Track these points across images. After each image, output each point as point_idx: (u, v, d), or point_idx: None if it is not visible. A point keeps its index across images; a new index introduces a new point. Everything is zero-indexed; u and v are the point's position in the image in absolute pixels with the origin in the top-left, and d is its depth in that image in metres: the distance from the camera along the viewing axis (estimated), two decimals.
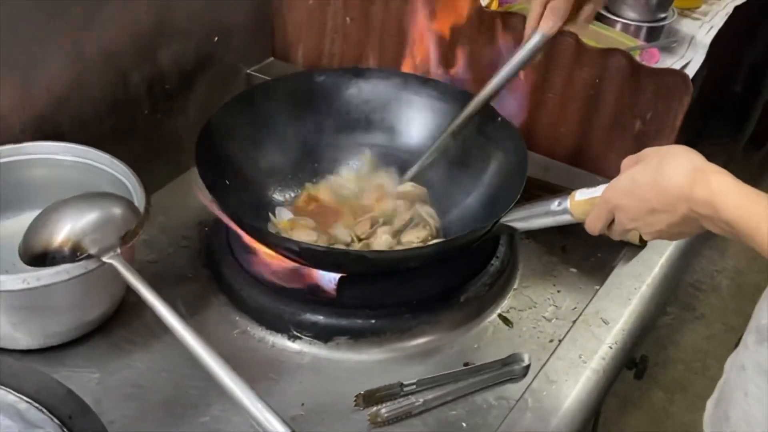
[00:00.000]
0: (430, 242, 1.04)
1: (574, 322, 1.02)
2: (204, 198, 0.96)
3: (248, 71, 1.43)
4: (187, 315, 1.01)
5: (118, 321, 1.00)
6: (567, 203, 0.90)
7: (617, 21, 1.53)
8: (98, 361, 0.95)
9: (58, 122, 1.12)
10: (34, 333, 0.93)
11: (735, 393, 0.82)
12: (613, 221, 0.85)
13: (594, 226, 0.86)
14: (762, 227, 0.68)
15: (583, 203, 0.89)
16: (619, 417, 2.01)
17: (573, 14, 1.04)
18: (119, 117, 1.20)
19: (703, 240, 1.20)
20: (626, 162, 0.84)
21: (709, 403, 0.92)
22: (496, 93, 1.08)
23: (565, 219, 0.91)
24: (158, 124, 1.27)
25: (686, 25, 1.62)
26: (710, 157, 0.77)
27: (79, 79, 1.13)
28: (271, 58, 1.48)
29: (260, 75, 1.41)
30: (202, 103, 1.32)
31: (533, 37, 1.04)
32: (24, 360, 0.94)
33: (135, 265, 1.06)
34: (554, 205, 0.92)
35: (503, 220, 0.96)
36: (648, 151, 0.82)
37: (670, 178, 0.75)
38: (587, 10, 1.04)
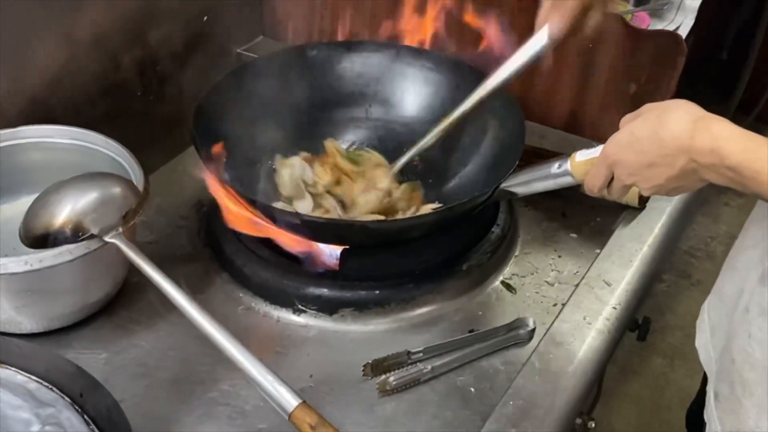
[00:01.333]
0: (431, 210, 1.04)
1: (577, 285, 1.02)
2: (206, 175, 0.96)
3: (238, 50, 1.42)
4: (190, 293, 1.01)
5: (122, 302, 1.00)
6: (567, 165, 0.90)
7: None
8: (104, 342, 0.95)
9: (52, 106, 1.11)
10: (38, 316, 0.92)
11: (739, 336, 0.82)
12: (612, 179, 0.85)
13: (593, 184, 0.86)
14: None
15: (583, 164, 0.89)
16: (619, 385, 2.02)
17: (580, 18, 0.97)
18: (112, 100, 1.20)
19: (697, 206, 1.21)
20: (625, 118, 0.84)
21: (698, 343, 0.93)
22: (495, 92, 1.02)
23: (566, 181, 0.91)
24: (151, 106, 1.26)
25: None
26: None
27: (70, 63, 1.12)
28: (261, 37, 1.48)
29: (251, 54, 1.41)
30: (194, 84, 1.31)
31: (540, 36, 0.98)
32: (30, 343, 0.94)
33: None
34: (554, 167, 0.92)
35: (503, 185, 0.96)
36: (648, 106, 0.82)
37: (670, 129, 0.75)
38: (594, 15, 0.98)
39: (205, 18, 1.32)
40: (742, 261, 0.88)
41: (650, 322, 1.14)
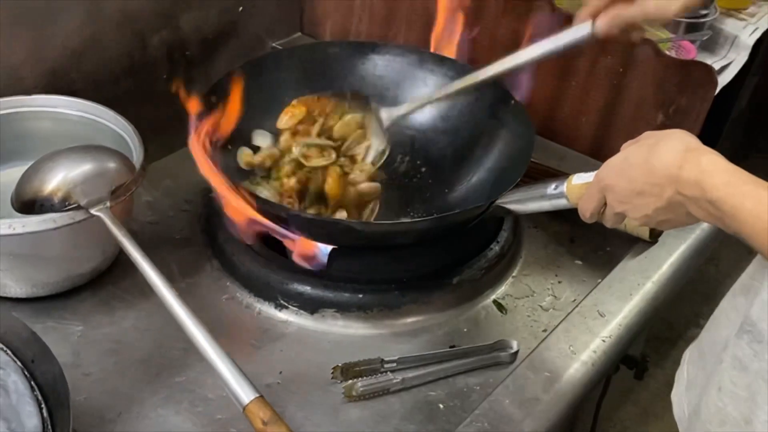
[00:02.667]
0: (423, 218, 1.01)
1: (570, 312, 0.98)
2: (196, 154, 0.95)
3: (273, 44, 1.42)
4: (179, 277, 1.01)
5: (110, 277, 1.00)
6: (564, 187, 0.87)
7: None
8: (84, 315, 0.95)
9: (72, 79, 1.13)
10: (21, 281, 0.93)
11: (708, 388, 0.78)
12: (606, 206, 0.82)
13: (585, 208, 0.83)
14: (745, 204, 0.65)
15: (578, 187, 0.85)
16: (639, 427, 1.95)
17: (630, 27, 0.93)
18: (136, 79, 1.21)
19: (713, 245, 1.15)
20: (625, 144, 0.81)
21: (674, 396, 0.88)
22: (510, 71, 1.01)
23: (560, 203, 0.88)
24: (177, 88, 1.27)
25: (730, 25, 1.56)
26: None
27: (95, 37, 1.13)
28: (299, 34, 1.47)
29: None
30: (223, 73, 1.31)
31: (583, 27, 0.94)
32: (13, 308, 0.94)
33: (134, 224, 1.07)
34: (551, 188, 0.89)
35: (499, 201, 0.93)
36: (646, 134, 0.79)
37: (660, 158, 0.72)
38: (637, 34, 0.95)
39: (241, 8, 1.32)
40: (730, 310, 0.83)
41: (648, 360, 1.09)
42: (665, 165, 0.72)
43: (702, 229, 1.11)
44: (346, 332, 0.96)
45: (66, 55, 1.11)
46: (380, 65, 1.16)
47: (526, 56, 0.99)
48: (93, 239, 0.94)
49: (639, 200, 0.75)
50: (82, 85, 1.14)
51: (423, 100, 1.08)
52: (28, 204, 0.90)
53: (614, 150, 1.20)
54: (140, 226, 1.08)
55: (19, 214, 0.90)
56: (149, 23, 1.19)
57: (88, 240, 0.94)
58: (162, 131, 1.12)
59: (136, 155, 0.98)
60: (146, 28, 1.19)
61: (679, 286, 1.06)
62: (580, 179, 0.86)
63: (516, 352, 0.93)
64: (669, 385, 1.15)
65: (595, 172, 0.83)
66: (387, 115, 1.05)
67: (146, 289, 0.97)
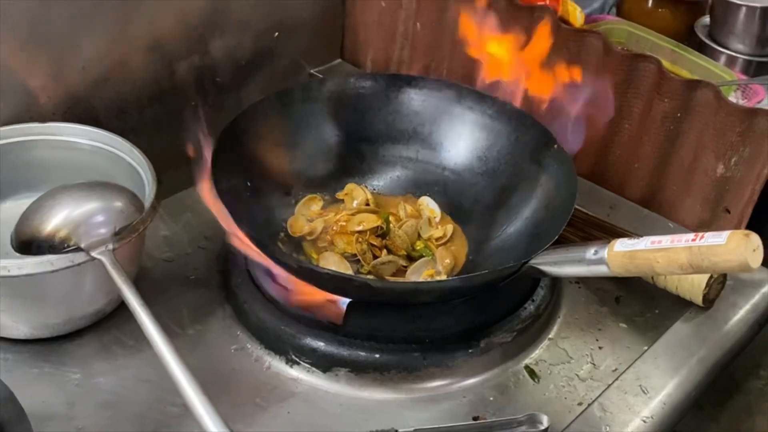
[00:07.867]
0: (447, 277, 0.93)
1: (609, 385, 0.89)
2: (207, 196, 0.89)
3: (312, 71, 1.36)
4: (188, 323, 0.95)
5: (115, 320, 0.94)
6: (604, 252, 0.78)
7: (722, 53, 1.37)
8: (84, 361, 0.89)
9: (93, 106, 1.08)
10: (20, 322, 0.87)
11: None
12: None
13: None
14: None
15: (621, 255, 0.76)
16: None
17: None
18: (162, 106, 1.15)
19: None
20: None
21: None
22: None
23: (600, 270, 0.79)
24: (205, 117, 1.21)
25: None
26: None
27: (120, 62, 1.08)
28: (339, 60, 1.41)
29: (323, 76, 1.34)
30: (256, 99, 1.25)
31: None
32: (10, 349, 0.89)
33: (148, 261, 1.01)
34: (590, 252, 0.80)
35: (533, 262, 0.84)
36: None
37: None
38: None
39: (276, 34, 1.26)
40: None
41: None
42: None
43: (762, 294, 1.00)
44: (359, 395, 0.88)
45: (88, 80, 1.06)
46: (416, 100, 1.08)
47: None
48: (95, 282, 0.88)
49: None
50: (104, 112, 1.09)
51: None
52: (26, 244, 0.85)
53: (669, 201, 1.11)
54: (154, 263, 1.02)
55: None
56: (178, 48, 1.14)
57: (90, 282, 0.88)
58: (186, 161, 1.06)
59: (148, 191, 0.92)
60: (175, 53, 1.14)
61: (733, 358, 0.96)
62: (622, 246, 0.77)
63: (546, 429, 0.84)
64: None
65: (641, 239, 0.74)
66: None
67: None
